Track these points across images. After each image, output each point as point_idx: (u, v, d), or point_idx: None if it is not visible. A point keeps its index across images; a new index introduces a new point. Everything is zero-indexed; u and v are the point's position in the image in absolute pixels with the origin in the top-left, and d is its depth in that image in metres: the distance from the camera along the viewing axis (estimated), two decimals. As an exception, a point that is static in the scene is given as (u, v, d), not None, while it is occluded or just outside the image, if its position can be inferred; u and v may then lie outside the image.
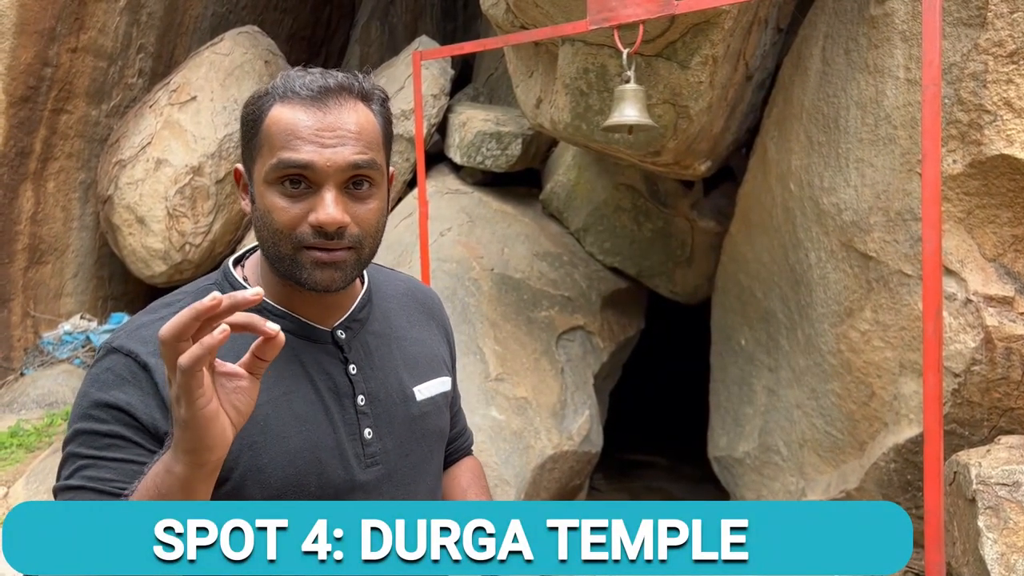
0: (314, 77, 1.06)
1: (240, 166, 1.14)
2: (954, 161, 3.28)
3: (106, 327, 6.74)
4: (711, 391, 5.79)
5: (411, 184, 6.61)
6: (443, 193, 6.26)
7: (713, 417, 5.72)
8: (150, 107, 6.85)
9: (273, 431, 1.06)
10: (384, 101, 1.13)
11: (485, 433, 4.46)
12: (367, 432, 1.14)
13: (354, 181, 1.06)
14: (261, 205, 1.07)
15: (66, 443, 1.05)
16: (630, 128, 3.08)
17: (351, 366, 1.15)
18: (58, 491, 1.04)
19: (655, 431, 8.16)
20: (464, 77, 8.52)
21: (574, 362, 5.41)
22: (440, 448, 1.30)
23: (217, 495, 1.04)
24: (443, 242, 5.67)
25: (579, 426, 4.94)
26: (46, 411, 5.65)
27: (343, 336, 1.17)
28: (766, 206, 4.65)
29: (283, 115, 1.04)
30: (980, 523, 2.85)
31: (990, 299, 3.28)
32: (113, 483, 1.00)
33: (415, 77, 3.81)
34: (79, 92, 6.67)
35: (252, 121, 1.09)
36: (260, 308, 1.10)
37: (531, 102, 4.64)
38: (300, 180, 1.04)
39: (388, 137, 1.14)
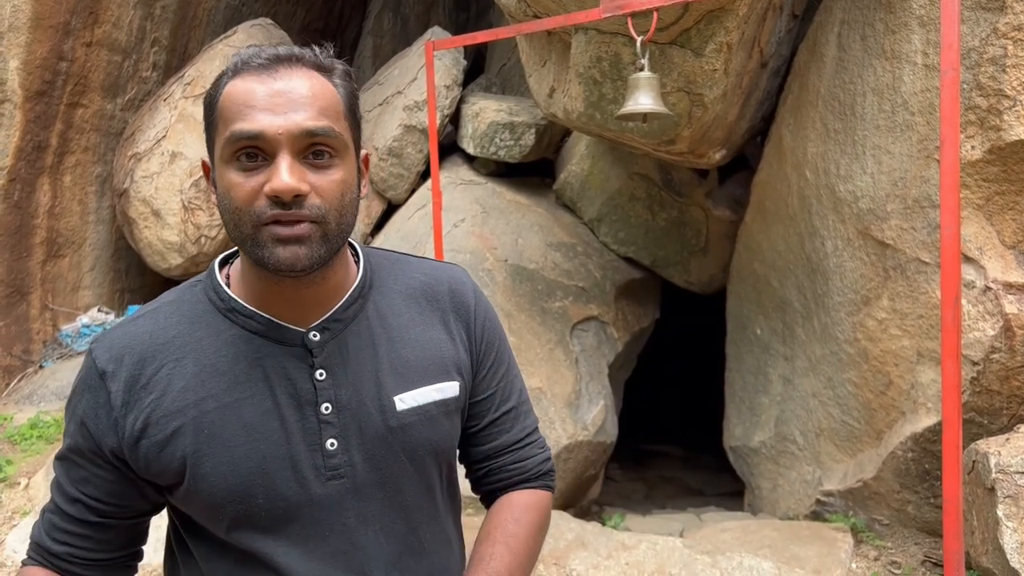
0: (267, 49, 1.02)
1: (206, 158, 1.08)
2: (973, 147, 3.24)
3: (124, 319, 6.77)
4: (726, 381, 5.77)
5: (424, 175, 6.61)
6: (456, 184, 6.25)
7: (728, 407, 5.70)
8: (164, 100, 6.87)
9: (218, 439, 1.02)
10: (347, 75, 1.07)
11: (500, 423, 4.45)
12: (329, 443, 1.06)
13: (313, 151, 0.99)
14: (220, 187, 1.01)
15: (63, 445, 1.14)
16: (644, 116, 3.06)
17: (319, 371, 1.07)
18: (56, 483, 1.14)
19: (671, 421, 8.15)
20: (477, 68, 8.50)
21: (588, 352, 5.40)
22: (437, 463, 1.16)
23: (173, 497, 1.08)
24: (457, 233, 5.67)
25: (594, 416, 4.94)
26: (65, 403, 5.70)
27: (316, 338, 1.08)
28: (782, 194, 4.62)
29: (235, 88, 1.00)
30: (999, 512, 2.83)
31: (1010, 286, 3.25)
32: (73, 484, 1.11)
33: (428, 67, 3.80)
34: (94, 86, 6.69)
35: (209, 104, 1.04)
36: (230, 308, 1.07)
37: (544, 91, 4.62)
38: (256, 154, 0.98)
39: (353, 110, 1.07)
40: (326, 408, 1.06)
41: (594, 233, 6.23)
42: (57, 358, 6.38)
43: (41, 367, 6.39)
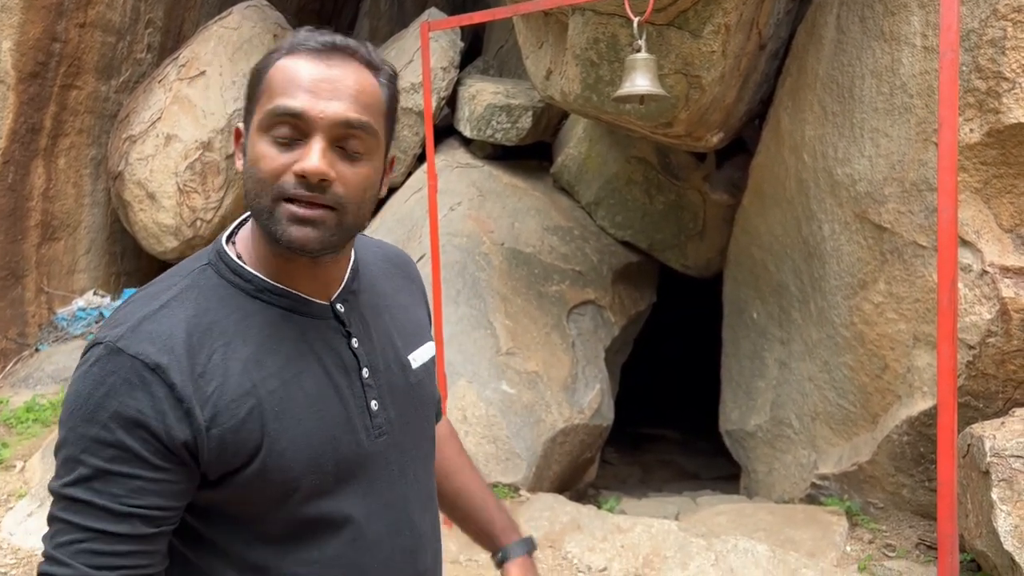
0: (324, 34, 1.05)
1: (240, 124, 1.10)
2: (971, 130, 3.23)
3: (119, 303, 6.75)
4: (723, 365, 5.77)
5: (420, 158, 6.58)
6: (453, 167, 6.22)
7: (725, 391, 5.71)
8: (159, 82, 6.83)
9: (288, 415, 1.04)
10: (392, 77, 1.10)
11: (496, 407, 4.46)
12: (373, 404, 1.14)
13: (345, 141, 1.02)
14: (251, 155, 1.03)
15: (67, 443, 0.99)
16: (641, 98, 3.04)
17: (353, 340, 1.14)
18: (60, 497, 0.99)
19: (667, 405, 8.16)
20: (474, 50, 8.45)
21: (585, 336, 5.40)
22: (433, 414, 1.30)
23: (240, 478, 1.02)
24: (453, 216, 5.65)
25: (590, 400, 4.94)
26: (61, 386, 5.69)
27: (342, 310, 1.14)
28: (779, 178, 4.60)
29: (287, 65, 1.03)
30: (994, 495, 2.84)
31: (1007, 270, 3.24)
32: (121, 499, 0.97)
33: (423, 47, 3.77)
34: (88, 67, 6.64)
35: (256, 74, 1.07)
36: (260, 289, 1.08)
37: (541, 74, 4.59)
38: (291, 130, 1.01)
39: (392, 112, 1.10)
40: (366, 373, 1.13)
41: (591, 217, 6.21)
42: (53, 341, 6.37)
43: (37, 350, 6.38)
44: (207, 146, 6.59)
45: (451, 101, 6.75)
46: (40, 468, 4.14)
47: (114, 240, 7.24)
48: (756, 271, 5.12)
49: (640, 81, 2.88)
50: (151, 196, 6.54)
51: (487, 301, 5.06)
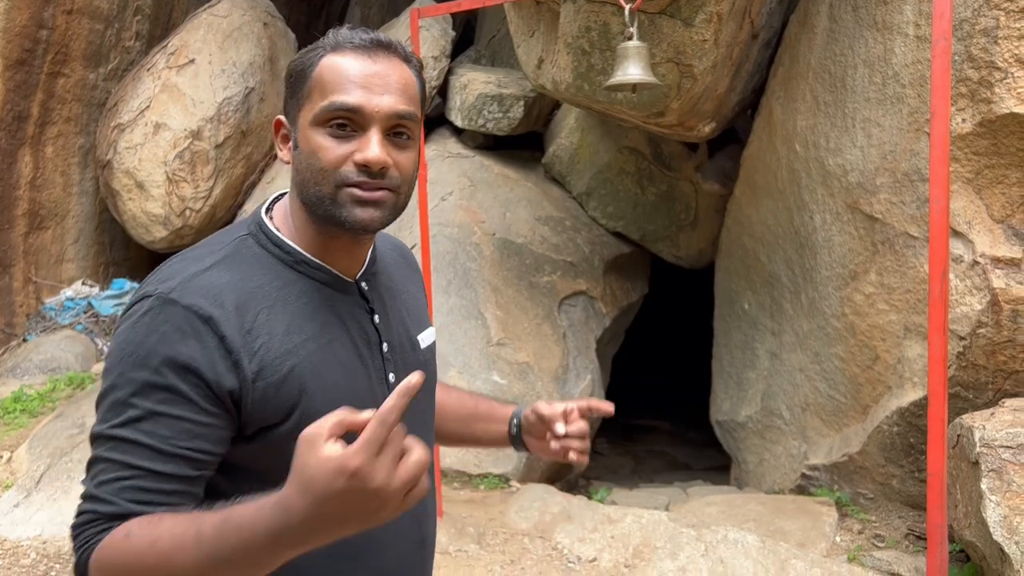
0: (365, 32, 1.15)
1: (282, 117, 1.19)
2: (963, 120, 3.22)
3: (108, 293, 6.71)
4: (714, 356, 5.77)
5: (412, 148, 6.53)
6: (444, 157, 6.19)
7: (716, 381, 5.71)
8: (148, 70, 6.77)
9: (323, 377, 1.11)
10: (421, 68, 1.21)
11: (487, 397, 4.44)
12: (391, 376, 1.21)
13: (395, 130, 1.12)
14: (306, 147, 1.11)
15: (116, 387, 1.03)
16: (634, 87, 3.01)
17: (375, 316, 1.22)
18: (106, 438, 1.02)
19: (658, 396, 8.16)
20: (466, 41, 8.40)
21: (576, 327, 5.39)
22: (434, 394, 1.39)
23: (275, 434, 1.07)
24: (444, 207, 5.62)
25: (581, 390, 4.93)
26: (49, 376, 5.65)
27: (365, 287, 1.23)
28: (771, 168, 4.59)
29: (336, 62, 1.11)
30: (983, 486, 2.84)
31: (998, 260, 3.24)
32: (170, 440, 1.01)
33: (413, 35, 3.73)
34: (76, 55, 6.57)
35: (301, 70, 1.14)
36: (299, 261, 1.15)
37: (532, 62, 4.56)
38: (346, 124, 1.10)
39: (424, 100, 1.21)
40: (385, 347, 1.22)
41: (583, 207, 6.19)
42: (41, 331, 6.32)
43: (24, 340, 6.34)
44: (196, 135, 6.54)
45: (442, 90, 6.71)
46: (27, 459, 4.11)
47: (103, 230, 7.19)
48: (748, 262, 5.11)
49: (632, 69, 2.86)
50: (140, 185, 6.49)
51: (478, 291, 5.04)
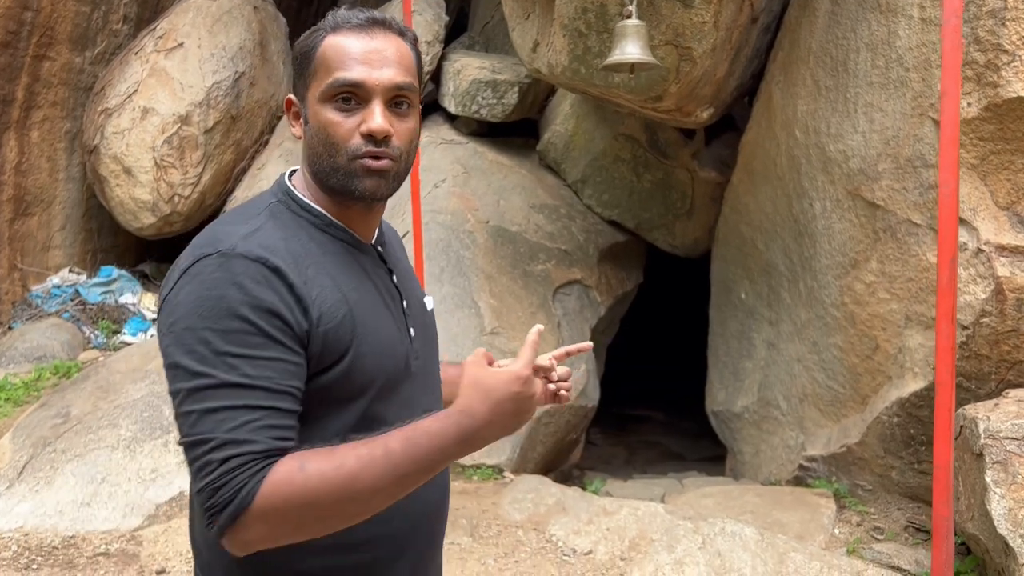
0: (362, 11, 1.23)
1: (292, 96, 1.27)
2: (969, 104, 3.14)
3: (95, 280, 6.61)
4: (709, 345, 5.71)
5: (405, 134, 6.43)
6: (437, 143, 6.10)
7: (711, 371, 5.65)
8: (136, 54, 6.65)
9: (367, 324, 1.19)
10: (415, 41, 1.29)
11: (480, 387, 4.36)
12: (411, 332, 1.30)
13: (395, 101, 1.20)
14: (316, 123, 1.20)
15: (204, 342, 1.05)
16: (632, 67, 2.93)
17: (393, 276, 1.32)
18: (215, 387, 1.03)
19: (652, 382, 8.11)
20: (459, 27, 8.29)
21: (571, 316, 5.31)
22: (438, 355, 1.48)
23: (323, 379, 1.13)
24: (437, 194, 5.53)
25: (575, 380, 4.86)
26: (34, 365, 5.56)
27: (381, 250, 1.32)
28: (770, 154, 4.51)
29: (336, 42, 1.20)
30: (988, 478, 2.78)
31: (1002, 248, 3.17)
32: (276, 380, 1.06)
33: (406, 17, 3.64)
34: (62, 38, 6.45)
35: (306, 52, 1.23)
36: (329, 224, 1.23)
37: (528, 46, 4.47)
38: (351, 98, 1.18)
39: (420, 71, 1.29)
40: (404, 304, 1.31)
41: (578, 195, 6.11)
42: (27, 319, 6.22)
43: (10, 328, 6.23)
44: (185, 120, 6.43)
45: (435, 76, 6.61)
46: (10, 449, 4.02)
47: (90, 216, 7.07)
48: (745, 250, 5.04)
49: (630, 49, 2.78)
50: (127, 171, 6.38)
51: (471, 280, 4.96)
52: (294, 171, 1.30)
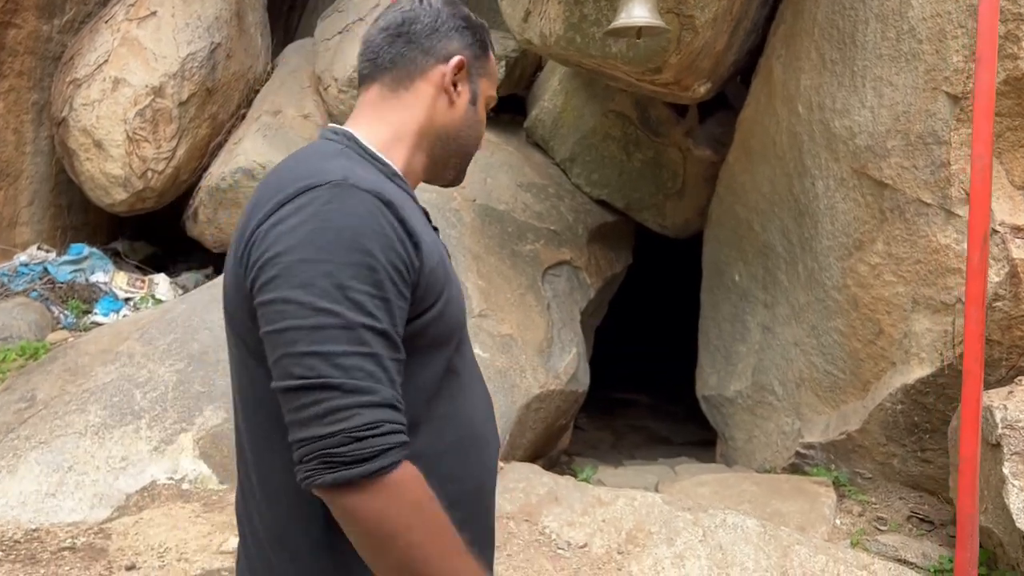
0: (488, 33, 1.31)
1: (465, 57, 1.23)
2: (985, 78, 2.99)
3: (65, 258, 6.36)
4: (700, 328, 5.57)
5: (388, 109, 6.22)
6: (422, 118, 5.88)
7: (702, 355, 5.51)
8: (106, 23, 6.36)
9: (448, 274, 1.16)
10: None
11: (467, 371, 4.20)
12: (461, 286, 1.25)
13: None
14: (477, 115, 1.27)
15: (323, 275, 0.95)
16: (639, 32, 2.74)
17: (438, 233, 1.28)
18: (333, 327, 0.94)
19: (639, 364, 7.98)
20: None
21: (560, 298, 5.15)
22: None
23: (423, 319, 1.06)
24: (422, 170, 5.33)
25: (566, 364, 4.70)
26: (0, 345, 5.33)
27: (427, 211, 1.30)
28: (769, 132, 4.35)
29: (493, 60, 1.30)
30: (1005, 470, 2.65)
31: (1018, 229, 3.03)
32: (397, 327, 1.00)
33: (393, -20, 3.44)
34: (28, 5, 6.16)
35: (483, 41, 1.27)
36: (394, 173, 1.18)
37: (518, 15, 4.27)
38: None
39: None
40: (450, 260, 1.25)
41: (566, 174, 5.93)
42: (-8, 298, 5.96)
43: (-26, 308, 5.97)
44: (158, 92, 6.17)
45: (420, 49, 6.38)
46: (-28, 435, 3.81)
47: (59, 191, 6.80)
48: (740, 231, 4.90)
49: (638, 12, 2.60)
50: (98, 144, 6.11)
51: (459, 260, 4.78)
52: (335, 131, 1.21)
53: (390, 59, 1.21)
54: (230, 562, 3.01)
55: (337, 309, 0.95)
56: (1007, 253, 3.04)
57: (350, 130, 1.20)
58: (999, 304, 3.09)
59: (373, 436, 0.92)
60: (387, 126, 1.20)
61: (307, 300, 0.94)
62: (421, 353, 1.08)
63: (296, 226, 0.98)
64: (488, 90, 1.27)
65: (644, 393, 7.78)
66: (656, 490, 3.93)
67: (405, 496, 0.93)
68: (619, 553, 3.04)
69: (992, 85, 2.03)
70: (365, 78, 1.24)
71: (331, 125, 1.24)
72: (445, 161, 1.25)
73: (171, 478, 3.54)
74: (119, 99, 6.09)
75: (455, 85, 1.22)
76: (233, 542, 3.14)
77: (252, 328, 1.03)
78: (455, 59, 1.21)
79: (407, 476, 0.95)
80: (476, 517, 1.20)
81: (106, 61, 6.14)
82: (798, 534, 3.14)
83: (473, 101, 1.24)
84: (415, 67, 1.21)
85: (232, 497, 3.59)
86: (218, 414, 3.78)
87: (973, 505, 2.16)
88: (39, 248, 6.49)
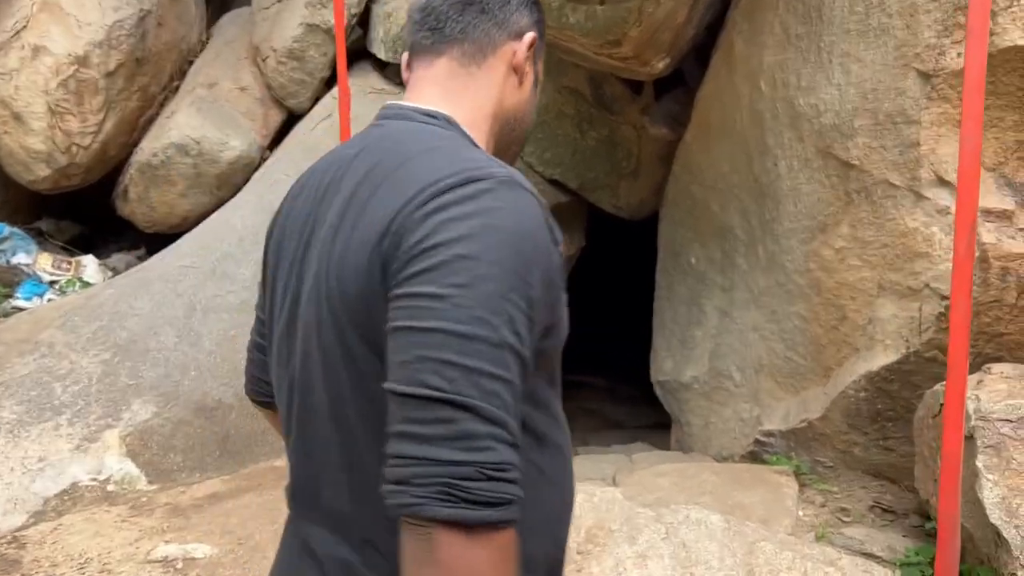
0: None
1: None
2: (958, 54, 2.88)
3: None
4: (655, 311, 5.44)
5: (330, 82, 5.94)
6: (366, 92, 5.63)
7: (657, 339, 5.39)
8: (25, -14, 5.94)
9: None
10: None
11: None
12: None
13: None
14: (534, 97, 1.16)
15: (487, 280, 0.83)
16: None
17: None
18: (484, 341, 0.81)
19: (592, 345, 7.87)
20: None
21: (512, 281, 4.97)
22: None
23: (546, 341, 0.92)
24: (367, 147, 5.09)
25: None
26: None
27: None
28: (729, 109, 4.21)
29: None
30: (979, 463, 2.55)
31: (988, 213, 2.94)
32: (530, 350, 0.88)
33: (334, -60, 3.19)
34: (-62, -35, 5.71)
35: (544, 24, 1.16)
36: None
37: (470, -17, 4.04)
38: None
39: None
40: None
41: (518, 152, 5.73)
42: (-99, 282, 5.55)
43: None
44: (83, 61, 5.78)
45: (363, 20, 6.10)
46: None
47: (-24, 167, 6.36)
48: (696, 212, 4.76)
49: (601, -24, 2.41)
50: (17, 117, 5.71)
51: (406, 241, 4.56)
52: (394, 106, 1.09)
53: (460, 29, 1.07)
54: (158, 572, 2.77)
55: (495, 321, 0.83)
56: (977, 237, 2.94)
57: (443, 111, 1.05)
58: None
59: (503, 480, 0.80)
60: (463, 109, 1.05)
61: (465, 303, 0.82)
62: (535, 378, 0.96)
63: (459, 217, 0.86)
64: (542, 73, 1.19)
65: (600, 375, 7.67)
66: (614, 481, 3.80)
67: (508, 561, 0.80)
68: (579, 553, 2.88)
69: (984, 59, 1.90)
70: (426, 48, 1.08)
71: (407, 103, 1.08)
72: (507, 147, 1.13)
73: (95, 479, 3.28)
74: (39, 68, 5.69)
75: (527, 67, 1.12)
76: (163, 549, 2.90)
77: (380, 321, 0.87)
78: (528, 36, 1.10)
79: (513, 539, 0.82)
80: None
81: (24, 27, 5.73)
82: (763, 529, 3.02)
83: (536, 83, 1.15)
84: (488, 41, 1.07)
85: (163, 498, 3.34)
86: (147, 408, 3.52)
87: (955, 505, 2.05)
88: (-46, 228, 6.07)
